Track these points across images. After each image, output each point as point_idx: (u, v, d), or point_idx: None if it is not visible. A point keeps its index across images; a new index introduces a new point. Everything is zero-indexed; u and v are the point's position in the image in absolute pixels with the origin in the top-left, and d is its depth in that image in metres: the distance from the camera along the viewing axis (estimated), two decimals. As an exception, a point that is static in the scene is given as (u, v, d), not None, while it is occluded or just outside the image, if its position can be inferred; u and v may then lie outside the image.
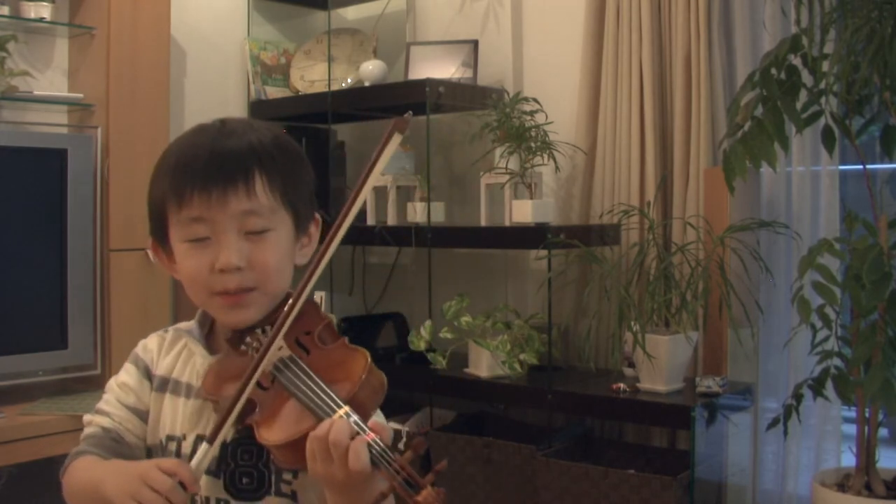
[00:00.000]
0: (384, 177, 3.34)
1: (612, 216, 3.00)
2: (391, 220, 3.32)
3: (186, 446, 1.19)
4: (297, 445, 1.03)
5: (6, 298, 2.77)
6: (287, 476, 1.16)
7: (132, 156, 3.03)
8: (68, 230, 2.85)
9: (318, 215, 1.28)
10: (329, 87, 3.55)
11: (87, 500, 1.14)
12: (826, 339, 2.30)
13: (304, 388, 1.07)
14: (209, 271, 1.16)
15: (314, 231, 1.27)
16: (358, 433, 0.99)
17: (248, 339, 1.17)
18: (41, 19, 2.94)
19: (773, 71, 2.30)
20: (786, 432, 2.43)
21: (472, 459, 2.89)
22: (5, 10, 2.87)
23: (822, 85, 2.25)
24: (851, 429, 2.42)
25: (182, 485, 1.05)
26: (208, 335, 1.27)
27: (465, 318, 2.99)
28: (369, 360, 1.08)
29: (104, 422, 1.23)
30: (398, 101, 3.31)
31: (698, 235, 2.77)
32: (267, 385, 1.10)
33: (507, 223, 3.10)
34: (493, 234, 3.15)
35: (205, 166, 1.15)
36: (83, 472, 1.16)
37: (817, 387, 2.33)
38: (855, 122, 2.37)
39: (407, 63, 3.42)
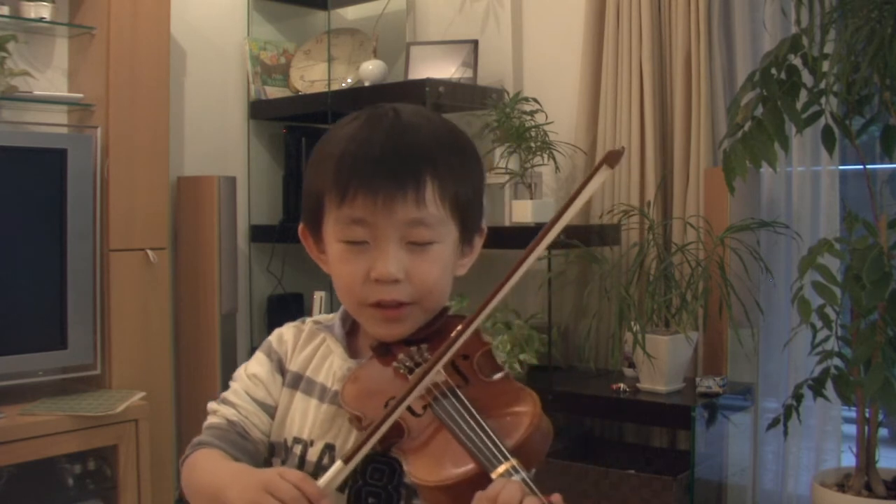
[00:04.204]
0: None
1: (612, 216, 3.00)
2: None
3: (313, 453, 1.10)
4: (451, 489, 0.92)
5: (6, 298, 2.77)
6: (417, 502, 1.05)
7: (132, 156, 3.03)
8: (68, 230, 2.85)
9: (484, 226, 1.18)
10: (329, 87, 3.55)
11: (206, 500, 1.07)
12: (826, 339, 2.30)
13: (464, 426, 0.96)
14: (363, 279, 1.07)
15: (478, 242, 1.18)
16: (527, 494, 0.88)
17: (400, 356, 1.07)
18: (41, 19, 2.94)
19: (773, 71, 2.30)
20: (786, 432, 2.43)
21: (472, 459, 2.89)
22: (5, 10, 2.87)
23: (822, 85, 2.25)
24: (851, 429, 2.42)
25: (307, 499, 0.96)
26: (349, 334, 1.18)
27: (465, 318, 2.98)
28: (539, 404, 0.96)
29: (230, 413, 1.15)
30: (398, 100, 3.29)
31: (698, 235, 2.77)
32: (419, 411, 1.01)
33: (506, 223, 3.10)
34: (492, 234, 3.13)
35: (374, 164, 1.04)
36: (204, 470, 1.09)
37: (817, 387, 2.33)
38: (855, 122, 2.37)
39: (407, 63, 3.42)
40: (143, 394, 2.90)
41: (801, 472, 2.81)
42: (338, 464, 0.99)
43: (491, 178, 3.14)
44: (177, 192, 3.39)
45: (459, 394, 1.00)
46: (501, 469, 0.90)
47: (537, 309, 3.11)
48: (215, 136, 3.60)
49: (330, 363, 1.15)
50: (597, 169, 0.96)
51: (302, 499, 0.95)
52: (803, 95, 2.32)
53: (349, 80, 3.57)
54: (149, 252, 3.05)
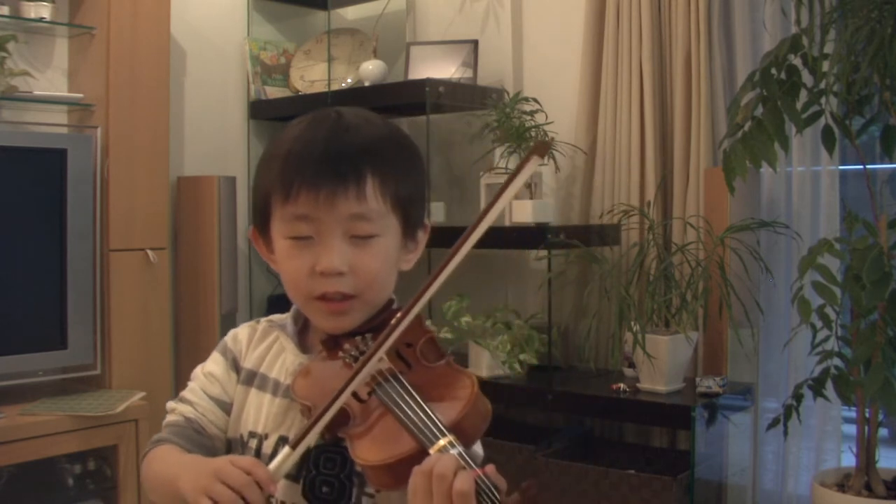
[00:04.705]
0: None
1: (612, 216, 3.00)
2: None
3: (268, 446, 1.15)
4: (393, 468, 0.96)
5: (6, 298, 2.77)
6: (370, 489, 1.10)
7: (132, 156, 3.03)
8: (68, 230, 2.85)
9: (427, 221, 1.22)
10: (329, 87, 3.55)
11: (163, 493, 1.11)
12: (826, 339, 2.30)
13: (405, 407, 1.00)
14: (309, 273, 1.11)
15: (422, 237, 1.21)
16: (463, 467, 0.91)
17: (346, 346, 1.11)
18: (41, 19, 2.94)
19: (773, 71, 2.30)
20: (786, 432, 2.43)
21: (472, 459, 2.88)
22: (5, 10, 2.87)
23: (822, 85, 2.25)
24: (851, 429, 2.42)
25: (258, 484, 1.00)
26: (301, 331, 1.22)
27: (465, 318, 2.99)
28: (477, 384, 1.01)
29: (187, 411, 1.20)
30: (398, 101, 3.31)
31: (698, 235, 2.77)
32: (364, 397, 1.05)
33: (507, 223, 3.10)
34: (493, 234, 3.13)
35: (316, 163, 1.09)
36: (161, 462, 1.14)
37: (817, 387, 2.33)
38: (855, 122, 2.37)
39: (407, 63, 3.42)
40: (143, 394, 2.91)
41: (801, 472, 2.81)
42: (286, 450, 1.02)
43: (491, 178, 3.14)
44: (177, 192, 3.39)
45: (402, 379, 1.04)
46: (439, 445, 0.95)
47: (537, 309, 3.11)
48: (215, 136, 3.60)
49: (283, 359, 1.20)
50: (528, 159, 0.99)
51: (252, 484, 0.98)
52: (803, 95, 2.32)
53: (349, 80, 3.58)
54: (149, 252, 3.05)
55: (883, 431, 2.42)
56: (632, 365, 2.83)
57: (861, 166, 2.33)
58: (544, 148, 1.02)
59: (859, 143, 2.36)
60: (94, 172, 2.93)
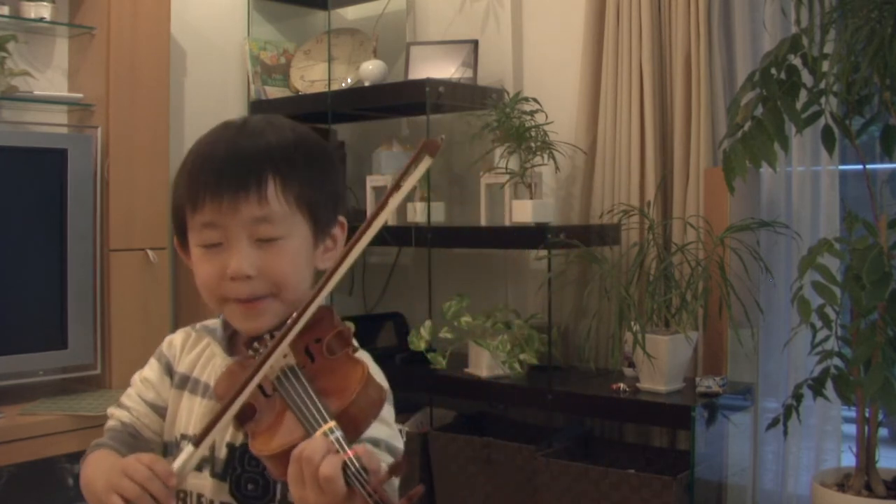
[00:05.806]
0: (384, 177, 3.35)
1: (612, 216, 3.00)
2: (391, 220, 3.31)
3: None
4: (286, 456, 0.97)
5: (6, 298, 2.77)
6: None
7: (132, 156, 3.03)
8: (68, 230, 2.85)
9: (342, 219, 1.23)
10: (329, 87, 3.55)
11: (91, 494, 1.13)
12: (826, 339, 2.30)
13: (296, 398, 1.03)
14: (220, 278, 1.14)
15: (339, 234, 1.22)
16: (337, 451, 0.93)
17: (255, 344, 1.13)
18: (41, 19, 2.94)
19: (773, 71, 2.30)
20: (786, 432, 2.43)
21: (472, 459, 2.89)
22: (5, 10, 2.87)
23: (822, 85, 2.25)
24: (851, 429, 2.42)
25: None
26: (232, 336, 1.25)
27: (465, 318, 2.99)
28: (367, 372, 1.03)
29: (123, 416, 1.25)
30: (398, 101, 3.31)
31: (698, 235, 2.77)
32: (269, 392, 1.07)
33: (507, 223, 3.10)
34: (493, 234, 3.15)
35: (218, 170, 1.12)
36: (91, 466, 1.17)
37: (817, 387, 2.33)
38: (855, 122, 2.37)
39: (407, 63, 3.42)
40: (143, 394, 2.90)
41: (801, 472, 2.81)
42: (189, 448, 1.06)
43: (491, 178, 3.14)
44: (177, 192, 3.38)
45: (298, 372, 1.06)
46: (320, 430, 0.97)
47: (537, 309, 3.11)
48: (215, 136, 3.59)
49: (213, 364, 1.24)
50: (419, 159, 1.01)
51: (153, 478, 1.02)
52: (803, 95, 2.32)
53: (349, 80, 3.57)
54: (149, 252, 3.05)
55: (883, 431, 2.43)
56: (632, 365, 2.83)
57: (861, 166, 2.34)
58: (435, 147, 1.01)
59: (859, 143, 2.37)
60: (94, 172, 2.93)
